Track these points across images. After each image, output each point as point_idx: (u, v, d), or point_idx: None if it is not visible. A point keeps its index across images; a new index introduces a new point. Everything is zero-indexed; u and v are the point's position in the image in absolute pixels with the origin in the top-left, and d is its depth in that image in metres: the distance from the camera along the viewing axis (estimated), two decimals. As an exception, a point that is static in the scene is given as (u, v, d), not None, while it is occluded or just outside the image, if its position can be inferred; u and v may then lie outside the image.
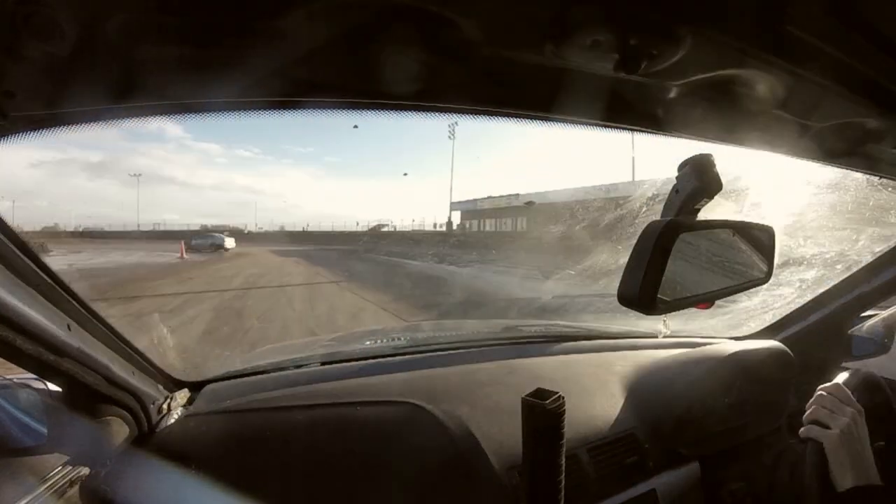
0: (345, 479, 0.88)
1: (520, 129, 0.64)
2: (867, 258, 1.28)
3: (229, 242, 26.11)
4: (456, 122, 0.67)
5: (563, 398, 0.66)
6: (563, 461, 0.68)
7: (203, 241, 24.61)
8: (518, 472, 0.90)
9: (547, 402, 0.66)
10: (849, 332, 1.37)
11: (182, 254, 20.05)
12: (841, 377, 1.04)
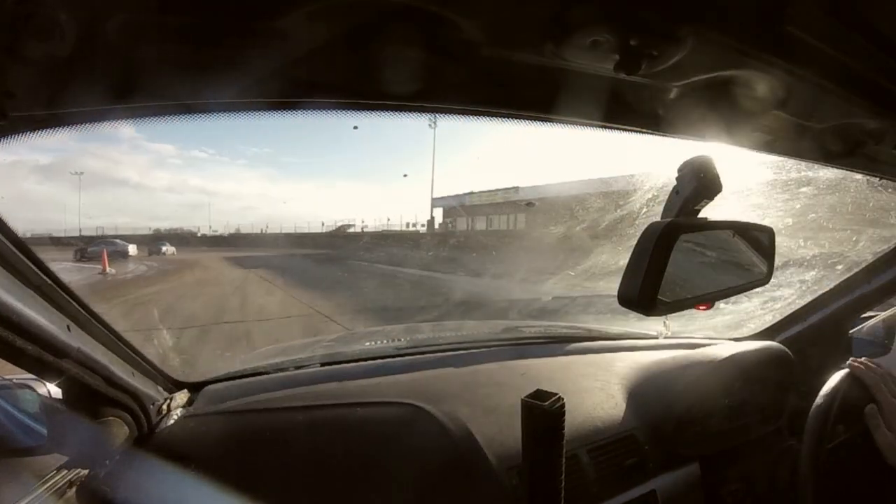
0: (345, 479, 0.88)
1: (504, 124, 0.64)
2: (867, 259, 1.28)
3: (132, 249, 22.18)
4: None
5: (563, 399, 0.66)
6: (563, 462, 0.68)
7: (99, 249, 19.45)
8: (518, 472, 0.90)
9: (546, 403, 0.66)
10: (849, 333, 1.37)
11: (105, 267, 14.69)
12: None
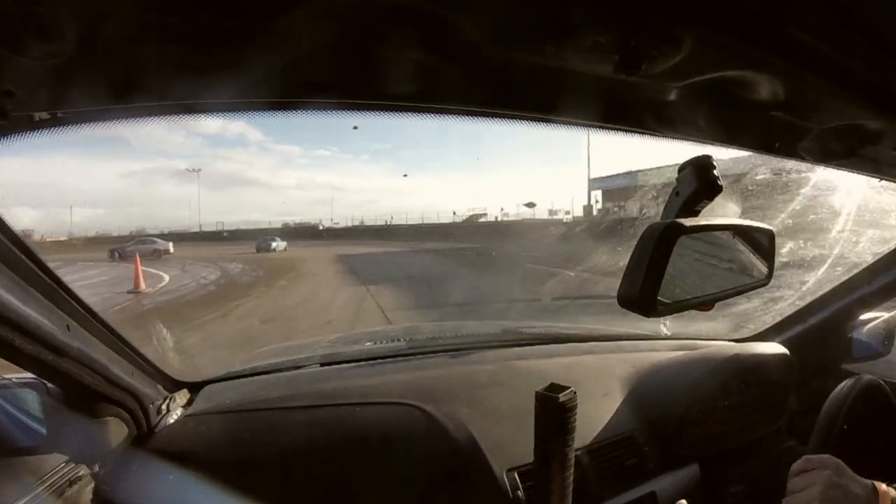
0: (344, 479, 0.88)
1: (506, 124, 0.64)
2: (868, 260, 1.28)
3: (171, 247, 20.07)
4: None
5: (576, 393, 0.67)
6: (573, 455, 0.68)
7: (136, 248, 17.30)
8: (517, 472, 0.90)
9: (560, 395, 0.66)
10: (849, 334, 1.37)
11: (138, 282, 9.53)
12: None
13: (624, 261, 0.58)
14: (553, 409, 0.66)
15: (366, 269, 12.03)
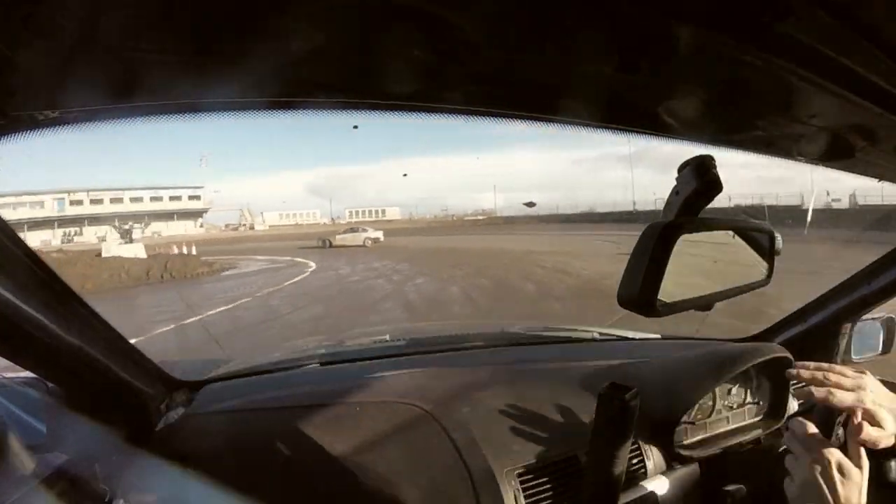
0: (343, 478, 0.88)
1: (505, 124, 0.64)
2: (867, 260, 1.27)
3: (378, 234, 18.38)
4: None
5: (639, 393, 0.68)
6: (628, 452, 0.70)
7: (344, 237, 15.18)
8: (517, 473, 0.90)
9: (627, 396, 0.68)
10: (849, 334, 1.37)
11: None
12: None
13: None
14: (616, 408, 0.67)
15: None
